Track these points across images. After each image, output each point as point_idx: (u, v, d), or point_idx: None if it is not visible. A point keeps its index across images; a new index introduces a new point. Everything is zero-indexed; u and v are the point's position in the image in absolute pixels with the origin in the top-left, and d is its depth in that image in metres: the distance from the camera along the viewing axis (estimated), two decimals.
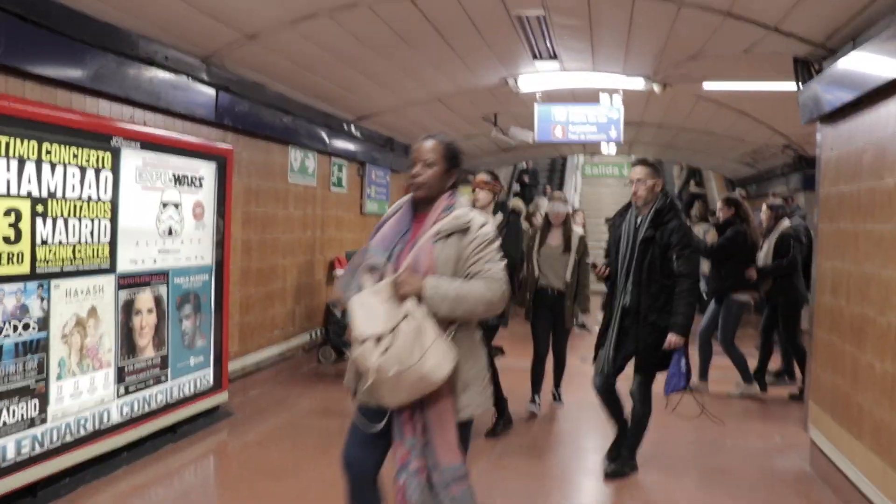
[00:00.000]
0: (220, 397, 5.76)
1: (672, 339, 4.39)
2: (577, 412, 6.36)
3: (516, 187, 17.79)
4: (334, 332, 7.87)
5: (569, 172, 18.59)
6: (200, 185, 5.40)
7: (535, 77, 7.81)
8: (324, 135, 7.58)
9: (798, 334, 7.12)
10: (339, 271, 8.10)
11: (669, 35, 5.85)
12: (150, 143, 4.76)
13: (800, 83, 5.48)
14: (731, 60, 6.44)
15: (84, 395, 4.34)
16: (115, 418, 4.63)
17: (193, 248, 5.36)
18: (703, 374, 7.14)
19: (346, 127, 8.20)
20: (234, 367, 6.14)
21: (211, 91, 5.45)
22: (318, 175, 7.70)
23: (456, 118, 9.51)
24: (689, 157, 14.45)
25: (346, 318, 8.20)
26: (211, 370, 5.64)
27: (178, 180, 5.14)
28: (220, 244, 5.65)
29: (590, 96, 8.50)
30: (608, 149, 14.03)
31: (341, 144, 8.09)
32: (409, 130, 9.84)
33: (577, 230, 6.44)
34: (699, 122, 9.93)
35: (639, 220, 4.58)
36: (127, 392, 4.73)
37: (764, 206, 7.49)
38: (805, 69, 5.46)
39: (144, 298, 4.88)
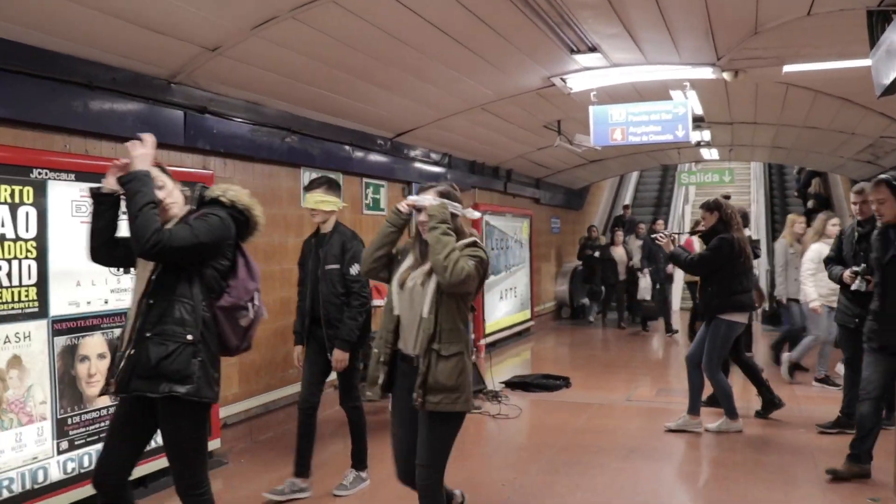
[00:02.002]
0: (211, 445, 5.21)
1: None
2: None
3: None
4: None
5: (677, 182, 17.16)
6: None
7: (584, 75, 6.91)
8: (350, 154, 7.00)
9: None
10: (376, 302, 7.46)
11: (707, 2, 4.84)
12: (90, 174, 4.32)
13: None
14: (798, 32, 5.30)
15: (7, 453, 3.91)
16: (56, 476, 4.17)
17: None
18: (693, 407, 6.02)
19: (382, 144, 7.59)
20: (235, 411, 5.62)
21: (177, 113, 4.99)
22: (346, 198, 7.11)
23: (511, 127, 8.69)
24: (801, 159, 12.71)
25: None
26: None
27: None
28: None
29: (658, 93, 7.46)
30: (710, 154, 12.67)
31: (375, 163, 7.48)
32: (465, 145, 9.13)
33: None
34: (797, 115, 8.55)
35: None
36: (72, 447, 4.28)
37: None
38: (883, 22, 4.26)
39: (93, 343, 4.43)
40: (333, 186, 4.72)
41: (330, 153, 6.72)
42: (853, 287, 5.26)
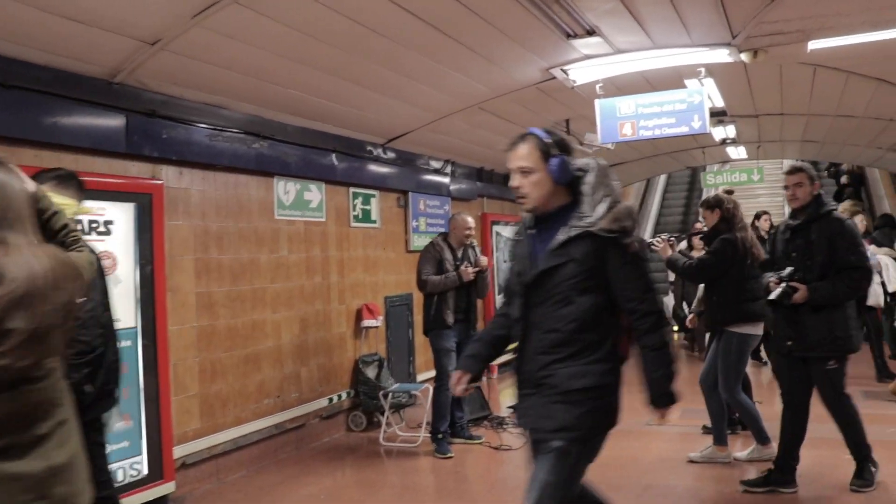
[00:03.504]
0: (163, 489, 4.65)
1: None
2: None
3: None
4: (365, 394, 6.60)
5: (703, 184, 16.30)
6: (108, 231, 4.37)
7: (587, 65, 6.25)
8: (333, 161, 6.42)
9: None
10: (368, 322, 6.85)
11: None
12: None
13: None
14: None
15: None
16: None
17: None
18: (719, 437, 5.28)
19: (370, 151, 7.00)
20: (196, 448, 5.03)
21: (116, 117, 4.44)
22: (330, 209, 6.54)
23: (515, 129, 7.87)
24: (835, 153, 11.79)
25: (380, 377, 6.99)
26: (144, 457, 4.55)
27: None
28: (150, 302, 4.60)
29: (670, 82, 6.76)
30: (737, 152, 11.87)
31: (364, 171, 6.89)
32: (468, 150, 8.49)
33: None
34: (828, 102, 7.77)
35: None
36: None
37: None
38: None
39: None
40: (66, 181, 3.29)
41: (309, 161, 6.14)
42: (770, 296, 4.45)
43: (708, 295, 5.25)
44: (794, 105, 8.12)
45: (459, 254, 6.07)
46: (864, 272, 4.25)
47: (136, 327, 4.52)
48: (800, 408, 4.47)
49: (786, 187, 4.55)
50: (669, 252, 5.38)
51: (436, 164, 8.29)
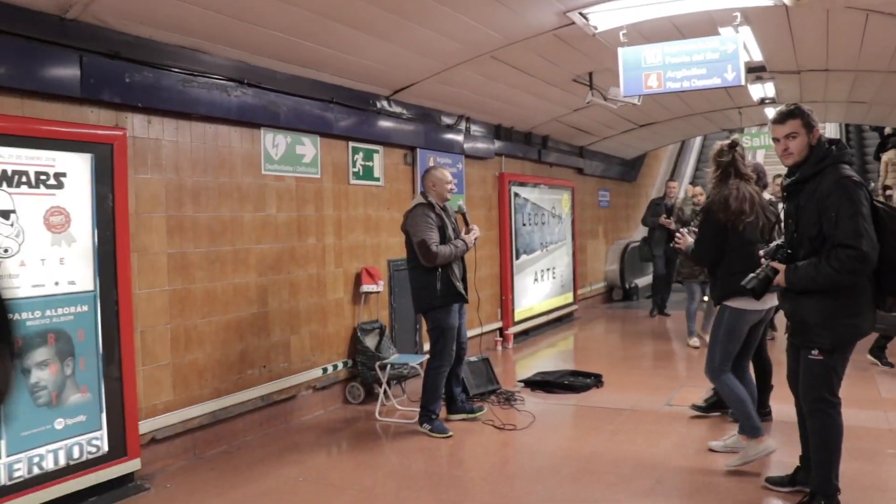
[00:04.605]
0: (126, 467, 4.28)
1: None
2: None
3: None
4: (363, 364, 6.17)
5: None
6: (59, 184, 3.93)
7: (609, 8, 5.64)
8: (330, 113, 5.91)
9: None
10: (367, 287, 6.39)
11: None
12: None
13: None
14: None
15: None
16: None
17: (52, 271, 3.90)
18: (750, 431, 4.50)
19: (374, 103, 6.47)
20: (168, 422, 4.64)
21: (69, 56, 3.96)
22: (326, 165, 6.04)
23: (534, 82, 7.43)
24: (884, 116, 10.88)
25: (380, 346, 6.54)
26: (104, 432, 4.17)
27: (6, 180, 3.71)
28: (111, 263, 4.18)
29: (702, 30, 6.09)
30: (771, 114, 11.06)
31: (365, 124, 6.36)
32: (484, 105, 7.92)
33: None
34: (880, 56, 7.02)
35: None
36: None
37: None
38: None
39: None
40: None
41: (301, 112, 5.63)
42: (743, 282, 3.74)
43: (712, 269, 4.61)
44: (840, 60, 7.38)
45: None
46: (853, 252, 3.26)
47: (94, 291, 4.10)
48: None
49: (776, 140, 3.63)
50: (690, 241, 4.76)
51: (448, 120, 7.73)
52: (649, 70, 5.99)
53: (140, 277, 4.47)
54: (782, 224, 4.00)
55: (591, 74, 7.55)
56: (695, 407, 5.60)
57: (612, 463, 4.60)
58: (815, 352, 3.47)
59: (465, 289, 5.48)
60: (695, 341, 8.35)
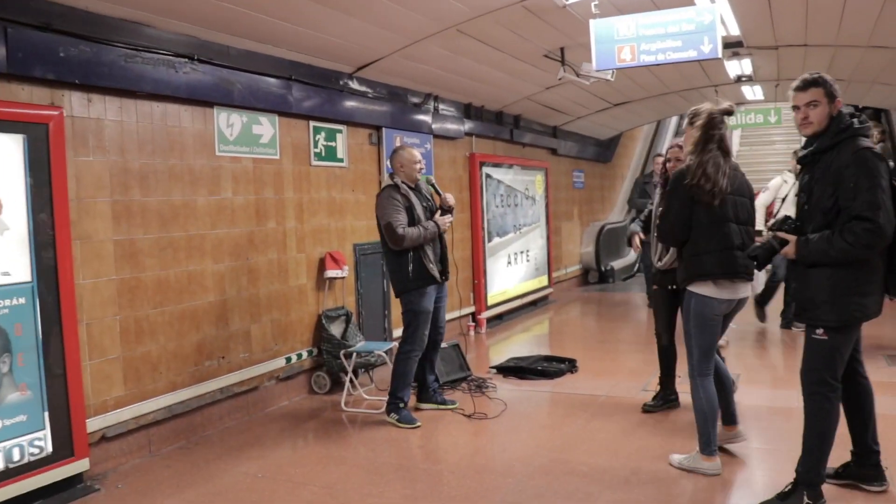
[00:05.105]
0: (73, 468, 4.02)
1: None
2: None
3: None
4: (329, 353, 5.94)
5: None
6: None
7: None
8: (289, 91, 5.63)
9: None
10: (332, 272, 6.14)
11: None
12: None
13: None
14: None
15: None
16: None
17: None
18: (728, 417, 4.32)
19: (336, 81, 6.19)
20: (120, 419, 4.38)
21: None
22: (285, 145, 5.77)
23: (504, 58, 7.18)
24: (862, 95, 10.76)
25: (346, 334, 6.31)
26: (48, 432, 3.91)
27: None
28: (50, 252, 3.90)
29: (677, 0, 5.87)
30: (753, 93, 10.94)
31: (327, 103, 6.09)
32: (453, 83, 7.65)
33: None
34: (859, 30, 6.86)
35: None
36: None
37: None
38: None
39: None
40: None
41: (256, 89, 5.34)
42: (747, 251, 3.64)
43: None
44: (819, 34, 7.21)
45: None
46: (869, 225, 3.12)
47: (31, 282, 3.82)
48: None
49: (795, 107, 3.40)
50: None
51: (415, 99, 7.47)
52: (622, 42, 5.78)
53: (84, 266, 4.19)
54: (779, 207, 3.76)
55: (562, 50, 7.32)
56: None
57: (586, 453, 4.43)
58: (819, 331, 3.32)
59: (445, 270, 5.26)
60: None
